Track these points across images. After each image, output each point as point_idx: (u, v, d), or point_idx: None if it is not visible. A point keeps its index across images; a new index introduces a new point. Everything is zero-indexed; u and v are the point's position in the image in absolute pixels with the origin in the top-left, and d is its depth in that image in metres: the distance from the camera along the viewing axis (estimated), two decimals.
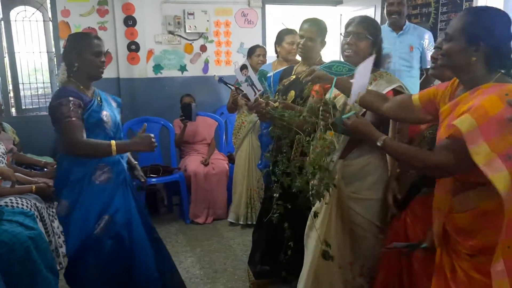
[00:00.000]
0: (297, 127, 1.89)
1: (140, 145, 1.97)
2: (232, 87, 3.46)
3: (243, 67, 1.99)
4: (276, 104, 2.02)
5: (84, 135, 1.88)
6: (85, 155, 1.91)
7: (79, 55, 1.95)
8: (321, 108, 1.67)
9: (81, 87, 1.98)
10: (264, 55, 3.63)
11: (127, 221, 2.02)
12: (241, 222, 3.62)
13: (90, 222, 1.92)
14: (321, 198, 1.87)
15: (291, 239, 1.95)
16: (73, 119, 1.85)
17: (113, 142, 1.90)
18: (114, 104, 2.15)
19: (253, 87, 1.94)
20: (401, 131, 1.93)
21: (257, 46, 3.68)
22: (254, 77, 1.95)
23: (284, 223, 1.97)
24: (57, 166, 2.06)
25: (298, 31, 2.92)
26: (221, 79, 3.52)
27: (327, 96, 1.75)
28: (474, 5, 3.49)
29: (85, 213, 1.92)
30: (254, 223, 3.50)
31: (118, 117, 2.13)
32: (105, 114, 2.00)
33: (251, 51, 3.69)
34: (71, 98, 1.87)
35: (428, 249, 1.60)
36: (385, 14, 3.24)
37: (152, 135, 1.98)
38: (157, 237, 2.24)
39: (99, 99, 2.04)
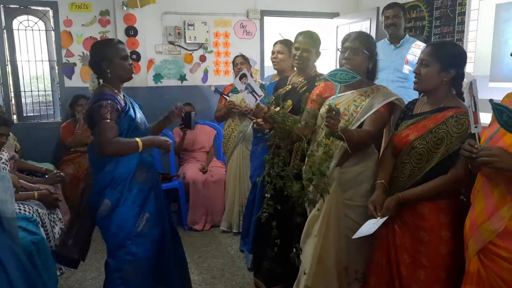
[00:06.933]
0: (298, 132, 1.94)
1: (162, 143, 2.06)
2: (228, 97, 3.54)
3: (242, 76, 2.06)
4: (278, 109, 2.07)
5: (115, 136, 1.93)
6: (115, 153, 1.96)
7: (109, 61, 2.01)
8: (326, 114, 1.70)
9: (116, 91, 2.04)
10: (242, 63, 3.63)
11: (160, 221, 2.10)
12: (234, 230, 3.65)
13: (129, 221, 1.99)
14: (316, 205, 1.94)
15: (278, 237, 1.98)
16: (108, 120, 1.91)
17: (138, 139, 1.95)
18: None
19: (254, 93, 1.98)
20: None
21: (236, 56, 3.74)
22: (254, 84, 1.99)
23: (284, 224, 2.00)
24: (94, 168, 2.08)
25: (276, 43, 3.01)
26: (217, 90, 3.60)
27: (331, 102, 1.80)
28: (466, 18, 3.61)
29: (126, 212, 1.99)
30: None
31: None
32: (138, 117, 2.08)
33: (233, 62, 3.74)
34: (109, 101, 1.93)
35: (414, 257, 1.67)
36: (383, 27, 3.32)
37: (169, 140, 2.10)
38: (178, 237, 2.33)
39: (130, 103, 2.10)
